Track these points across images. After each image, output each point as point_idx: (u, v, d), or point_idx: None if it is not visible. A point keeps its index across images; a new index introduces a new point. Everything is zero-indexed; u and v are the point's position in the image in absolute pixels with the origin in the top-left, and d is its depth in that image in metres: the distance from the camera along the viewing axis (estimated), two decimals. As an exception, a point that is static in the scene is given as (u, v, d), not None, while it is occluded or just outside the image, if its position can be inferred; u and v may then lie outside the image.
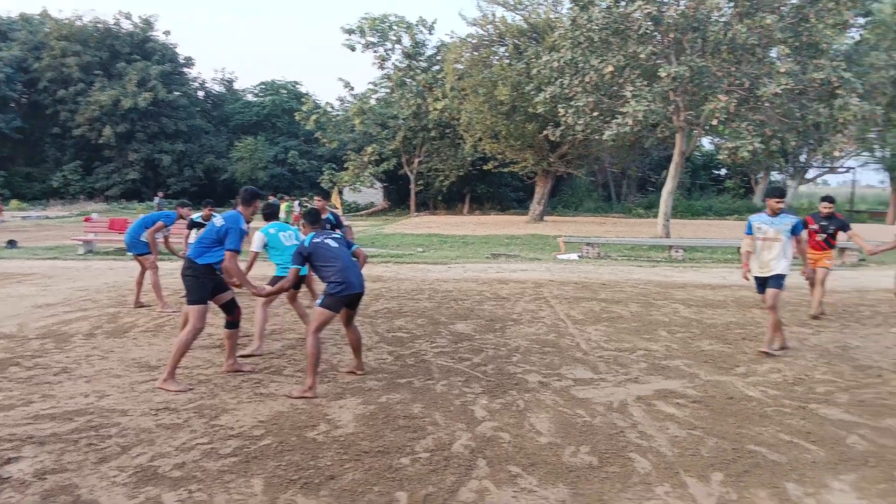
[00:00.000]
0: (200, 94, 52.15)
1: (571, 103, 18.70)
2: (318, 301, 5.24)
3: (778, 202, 6.53)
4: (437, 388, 5.29)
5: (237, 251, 5.18)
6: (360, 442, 4.12)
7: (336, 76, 66.76)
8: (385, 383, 5.39)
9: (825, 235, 8.40)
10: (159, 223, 8.44)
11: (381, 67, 37.86)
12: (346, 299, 5.25)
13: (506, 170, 31.75)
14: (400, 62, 37.10)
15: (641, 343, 7.03)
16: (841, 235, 8.68)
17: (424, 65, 37.04)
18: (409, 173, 37.90)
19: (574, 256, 16.07)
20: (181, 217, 8.89)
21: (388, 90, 38.74)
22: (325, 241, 5.37)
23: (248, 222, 5.46)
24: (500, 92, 24.75)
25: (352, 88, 39.16)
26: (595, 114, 18.43)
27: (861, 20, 21.28)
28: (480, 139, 28.99)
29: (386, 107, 38.25)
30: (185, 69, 49.89)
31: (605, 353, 6.60)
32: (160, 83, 43.19)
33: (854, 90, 15.63)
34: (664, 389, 5.39)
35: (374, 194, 42.43)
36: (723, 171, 45.73)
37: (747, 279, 6.89)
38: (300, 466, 3.78)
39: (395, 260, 14.67)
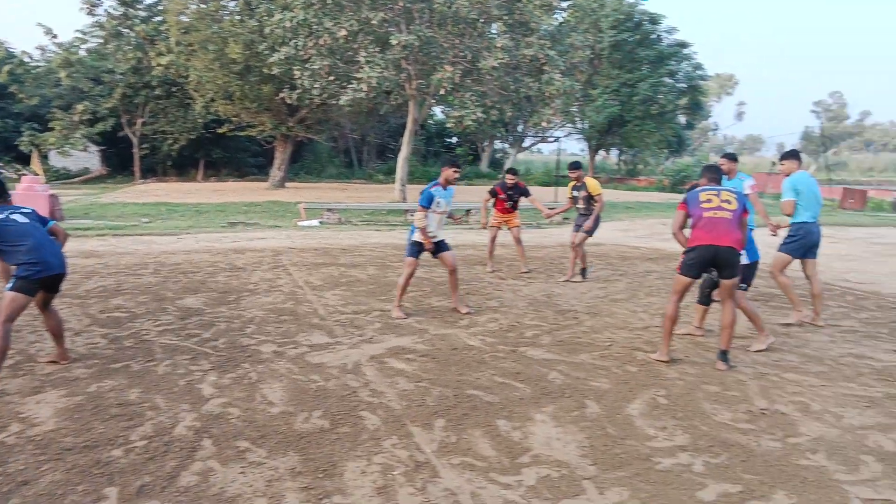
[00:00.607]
0: None
1: (307, 66, 18.36)
2: (8, 285, 4.50)
3: (456, 172, 6.88)
4: (160, 369, 4.90)
5: None
6: (63, 439, 3.65)
7: (35, 21, 57.04)
8: (96, 370, 4.84)
9: (511, 202, 9.65)
10: None
11: (91, 14, 33.23)
12: (41, 282, 4.58)
13: (243, 134, 30.23)
14: (114, 9, 32.90)
15: (377, 304, 7.25)
16: (524, 200, 9.91)
17: (144, 14, 33.32)
18: (131, 136, 34.12)
19: (315, 223, 15.98)
20: None
21: (101, 40, 34.24)
22: (12, 216, 4.61)
23: None
24: (231, 50, 23.34)
25: (55, 36, 33.66)
26: (331, 78, 18.33)
27: (564, 3, 24.00)
28: (213, 100, 27.15)
29: (99, 59, 33.80)
30: None
31: (343, 316, 6.68)
32: None
33: (558, 67, 17.64)
34: (396, 347, 5.63)
35: (88, 159, 37.46)
36: (454, 139, 48.79)
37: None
38: (-17, 477, 3.23)
39: (115, 232, 13.23)
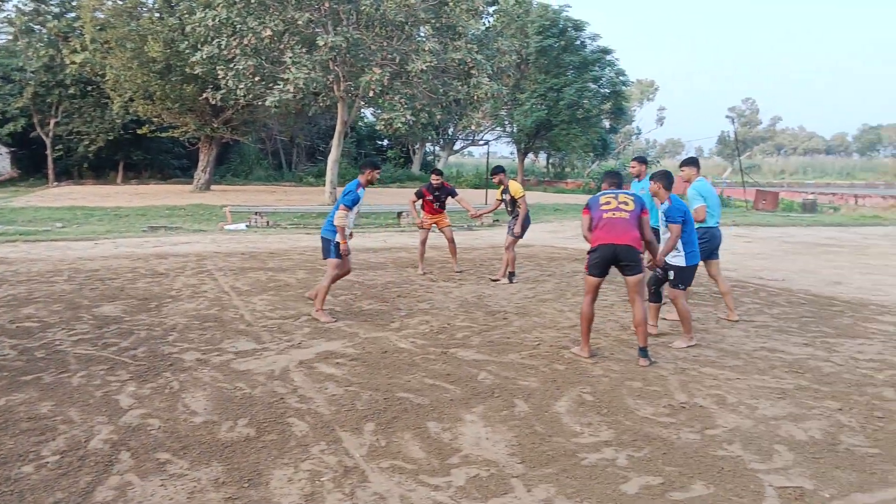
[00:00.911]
0: None
1: (231, 66, 17.92)
2: None
3: (377, 173, 7.16)
4: (74, 380, 4.66)
5: None
6: (-35, 458, 3.43)
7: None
8: (5, 383, 4.57)
9: (439, 202, 9.73)
10: None
11: (0, 9, 31.44)
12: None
13: (165, 135, 29.20)
14: (25, 4, 31.19)
15: (306, 309, 7.13)
16: (451, 200, 10.05)
17: (56, 10, 31.71)
18: (43, 137, 32.42)
19: (242, 226, 15.61)
20: None
21: (11, 37, 32.39)
22: None
23: None
24: (151, 48, 22.50)
25: (-42, 31, 31.65)
26: (256, 78, 17.95)
27: (491, 8, 24.35)
28: (132, 100, 26.11)
29: (8, 57, 32.00)
30: None
31: (270, 322, 6.55)
32: None
33: (485, 71, 17.85)
34: (325, 351, 5.55)
35: (-3, 161, 35.48)
36: (385, 142, 48.61)
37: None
38: None
39: (26, 238, 12.54)
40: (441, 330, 6.40)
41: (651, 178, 6.06)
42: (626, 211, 5.39)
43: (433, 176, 9.79)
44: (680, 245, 5.87)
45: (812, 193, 31.73)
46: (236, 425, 3.96)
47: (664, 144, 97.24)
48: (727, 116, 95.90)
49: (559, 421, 4.17)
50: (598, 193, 5.67)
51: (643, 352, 5.42)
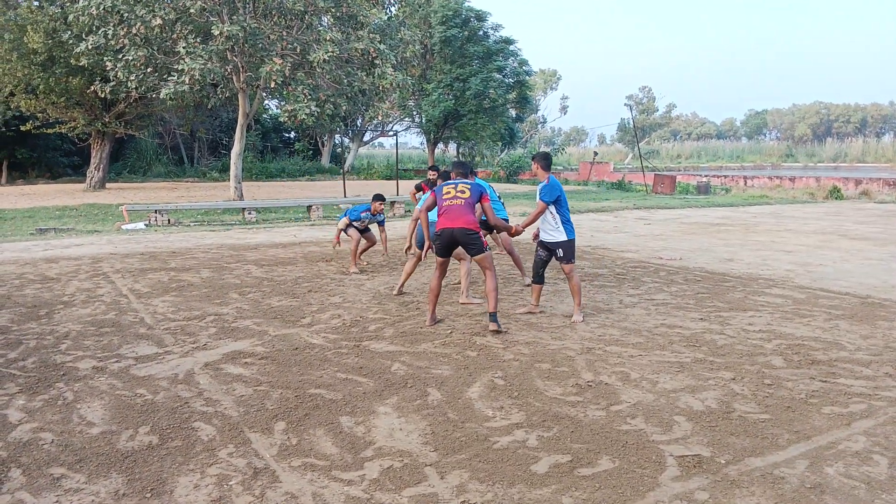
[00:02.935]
0: None
1: (120, 56, 16.97)
2: None
3: (381, 205, 9.08)
4: (-47, 398, 4.31)
5: None
6: None
7: None
8: None
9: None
10: None
11: None
12: None
13: (52, 131, 27.35)
14: None
15: (212, 308, 6.89)
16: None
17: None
18: (-89, 135, 29.69)
19: (141, 226, 14.87)
20: None
21: None
22: None
23: None
24: (31, 39, 20.95)
25: None
26: (149, 69, 17.08)
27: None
28: (12, 94, 24.28)
29: None
30: None
31: (173, 324, 6.28)
32: None
33: (389, 61, 17.72)
34: (233, 351, 5.38)
35: None
36: (293, 134, 47.49)
37: None
38: None
39: None
40: (353, 323, 6.33)
41: (532, 159, 6.72)
42: (461, 198, 6.06)
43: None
44: (559, 222, 6.35)
45: (706, 176, 33.52)
46: (137, 433, 3.78)
47: (569, 132, 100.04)
48: (626, 104, 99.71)
49: (472, 407, 4.23)
50: (442, 183, 6.38)
51: (493, 316, 5.94)
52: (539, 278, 6.67)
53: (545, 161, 6.59)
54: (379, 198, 9.30)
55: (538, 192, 6.34)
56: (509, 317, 6.51)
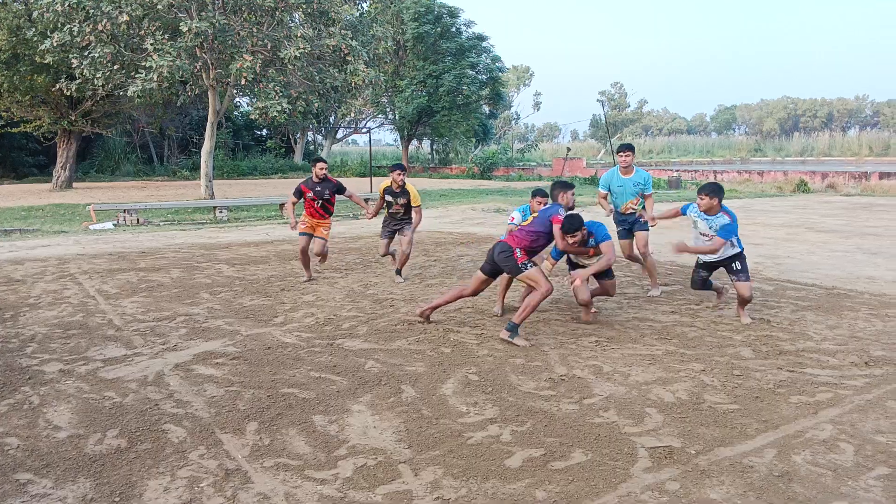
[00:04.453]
0: None
1: (86, 53, 16.63)
2: None
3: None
4: (-87, 404, 4.19)
5: None
6: None
7: None
8: None
9: (322, 200, 8.14)
10: None
11: None
12: None
13: (16, 130, 26.79)
14: None
15: (182, 309, 6.79)
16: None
17: None
18: None
19: (109, 225, 14.62)
20: None
21: None
22: None
23: None
24: (-7, 36, 20.51)
25: None
26: (115, 67, 16.77)
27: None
28: (-25, 93, 23.72)
29: None
30: None
31: (143, 325, 6.18)
32: None
33: (361, 58, 17.62)
34: (204, 352, 5.31)
35: None
36: (265, 132, 47.06)
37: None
38: None
39: None
40: (327, 321, 6.29)
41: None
42: (521, 225, 6.07)
43: (317, 165, 8.18)
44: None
45: (677, 171, 33.92)
46: (105, 437, 3.71)
47: (542, 129, 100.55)
48: (598, 100, 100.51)
49: (446, 403, 4.23)
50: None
51: (512, 325, 5.57)
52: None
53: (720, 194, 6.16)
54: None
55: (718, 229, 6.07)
56: (482, 312, 6.51)
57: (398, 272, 8.27)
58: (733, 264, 6.14)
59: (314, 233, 8.24)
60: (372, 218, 8.55)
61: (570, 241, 5.77)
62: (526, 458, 3.44)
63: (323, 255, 8.54)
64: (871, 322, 6.20)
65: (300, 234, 8.19)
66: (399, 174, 7.88)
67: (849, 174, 28.88)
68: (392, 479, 3.23)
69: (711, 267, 6.40)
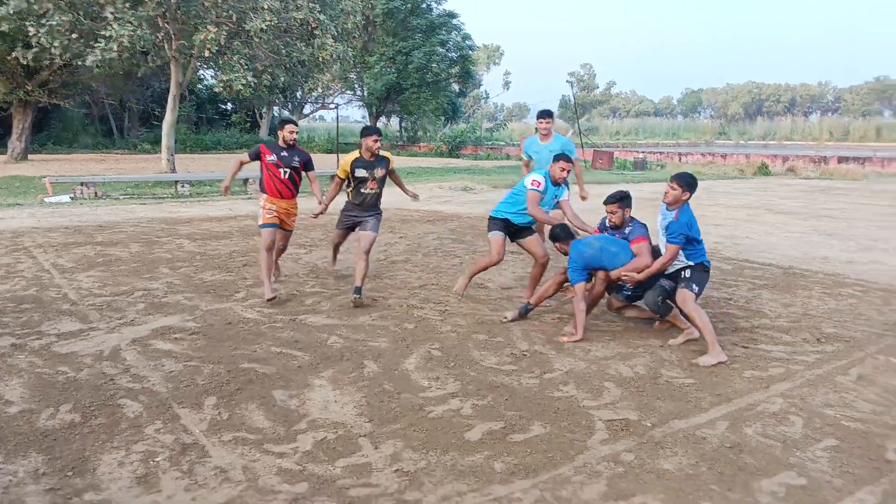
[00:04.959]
0: None
1: (43, 21, 16.05)
2: None
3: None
4: None
5: None
6: None
7: None
8: None
9: (289, 169, 6.36)
10: None
11: None
12: None
13: (-31, 100, 25.77)
14: None
15: (141, 283, 6.66)
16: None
17: None
18: None
19: (65, 198, 14.21)
20: None
21: None
22: None
23: None
24: (-57, 0, 19.60)
25: None
26: (74, 35, 16.21)
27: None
28: (-77, 60, 22.73)
29: None
30: None
31: (99, 300, 6.04)
32: None
33: (329, 32, 17.33)
34: (163, 327, 5.22)
35: None
36: (229, 106, 46.11)
37: None
38: None
39: None
40: (289, 297, 6.23)
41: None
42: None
43: (286, 127, 6.37)
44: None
45: (642, 153, 34.29)
46: (58, 412, 3.63)
47: (511, 108, 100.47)
48: (567, 81, 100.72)
49: (408, 378, 4.23)
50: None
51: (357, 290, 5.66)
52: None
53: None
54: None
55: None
56: (447, 289, 6.52)
57: (357, 291, 5.91)
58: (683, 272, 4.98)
59: (283, 225, 6.41)
60: (319, 215, 6.50)
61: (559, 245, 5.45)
62: (486, 431, 3.47)
63: (282, 249, 6.82)
64: (824, 301, 6.37)
65: (265, 225, 6.17)
66: (375, 140, 6.11)
67: (809, 158, 29.53)
68: (352, 453, 3.23)
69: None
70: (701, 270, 4.94)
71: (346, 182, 6.33)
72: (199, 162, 27.19)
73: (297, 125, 6.62)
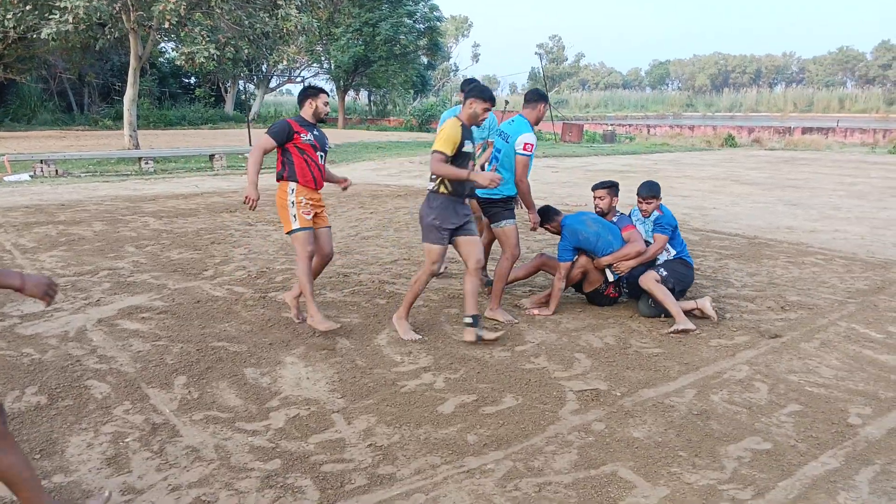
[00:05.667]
0: None
1: (-6, -8, 15.43)
2: None
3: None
4: None
5: None
6: None
7: None
8: None
9: (323, 153, 4.90)
10: None
11: None
12: None
13: (-83, 74, 24.79)
14: None
15: (106, 263, 6.53)
16: None
17: None
18: None
19: (25, 177, 13.80)
20: None
21: None
22: None
23: None
24: None
25: None
26: (27, 7, 15.61)
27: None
28: None
29: None
30: None
31: (63, 279, 5.91)
32: None
33: (293, 3, 16.94)
34: (130, 306, 5.13)
35: None
36: (193, 80, 45.00)
37: None
38: None
39: None
40: (259, 275, 6.17)
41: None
42: None
43: (319, 98, 4.71)
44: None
45: (611, 125, 34.41)
46: (24, 394, 3.56)
47: (481, 80, 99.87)
48: (536, 53, 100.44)
49: (380, 353, 4.23)
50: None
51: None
52: None
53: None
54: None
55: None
56: (418, 264, 6.51)
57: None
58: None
59: (318, 222, 4.78)
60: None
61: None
62: (458, 404, 3.50)
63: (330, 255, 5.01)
64: (788, 269, 6.51)
65: (303, 228, 4.60)
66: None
67: (773, 129, 29.93)
68: (325, 429, 3.23)
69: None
70: (678, 264, 5.05)
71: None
72: (163, 138, 26.58)
73: (329, 95, 5.08)
